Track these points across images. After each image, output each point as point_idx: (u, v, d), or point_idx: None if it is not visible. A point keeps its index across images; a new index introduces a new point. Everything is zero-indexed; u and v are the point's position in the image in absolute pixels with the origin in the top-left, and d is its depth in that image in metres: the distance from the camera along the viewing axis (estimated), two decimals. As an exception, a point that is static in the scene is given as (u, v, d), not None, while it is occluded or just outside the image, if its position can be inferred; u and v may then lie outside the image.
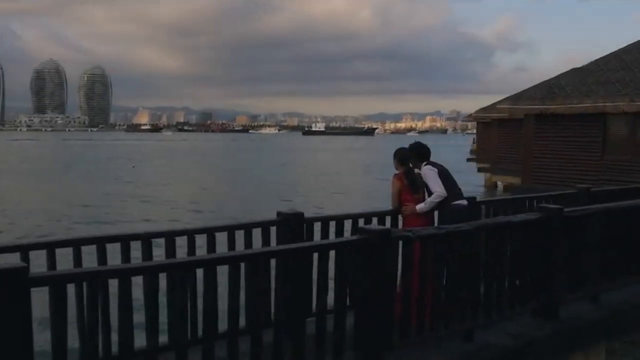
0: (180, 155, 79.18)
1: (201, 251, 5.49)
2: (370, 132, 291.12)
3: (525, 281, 6.25)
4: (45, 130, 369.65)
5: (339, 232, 6.42)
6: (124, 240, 5.30)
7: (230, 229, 5.82)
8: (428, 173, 6.60)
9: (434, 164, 6.74)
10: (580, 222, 6.62)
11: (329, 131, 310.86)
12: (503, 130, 30.24)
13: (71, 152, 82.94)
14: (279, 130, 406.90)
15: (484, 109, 33.67)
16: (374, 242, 4.78)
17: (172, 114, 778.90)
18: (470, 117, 39.05)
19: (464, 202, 6.71)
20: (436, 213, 6.65)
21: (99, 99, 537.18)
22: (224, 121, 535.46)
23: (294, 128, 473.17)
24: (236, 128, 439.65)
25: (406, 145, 6.98)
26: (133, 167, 50.37)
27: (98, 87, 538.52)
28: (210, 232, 5.66)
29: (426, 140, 8.54)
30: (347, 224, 6.49)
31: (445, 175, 6.63)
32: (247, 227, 5.86)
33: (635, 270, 7.31)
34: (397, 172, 6.79)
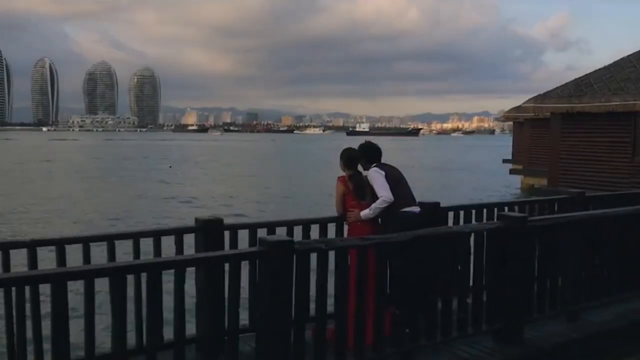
0: (223, 155, 79.65)
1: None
2: (414, 132, 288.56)
3: (479, 298, 5.53)
4: (97, 130, 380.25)
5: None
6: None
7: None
8: (374, 176, 6.03)
9: (383, 166, 6.17)
10: (548, 232, 5.85)
11: (373, 131, 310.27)
12: (535, 130, 29.08)
13: (111, 152, 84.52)
14: (323, 130, 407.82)
15: (516, 108, 32.36)
16: (277, 255, 4.21)
17: (219, 115, 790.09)
18: (502, 117, 37.77)
19: (416, 208, 6.10)
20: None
21: (148, 100, 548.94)
22: (269, 122, 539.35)
23: (338, 129, 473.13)
24: (281, 128, 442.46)
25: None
26: (170, 167, 50.79)
27: (147, 88, 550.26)
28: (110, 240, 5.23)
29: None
30: (281, 231, 5.91)
31: (395, 179, 6.07)
32: (156, 235, 5.37)
33: (620, 287, 6.46)
34: (343, 174, 6.20)
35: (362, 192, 6.03)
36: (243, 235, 5.62)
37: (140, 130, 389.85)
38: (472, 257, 5.44)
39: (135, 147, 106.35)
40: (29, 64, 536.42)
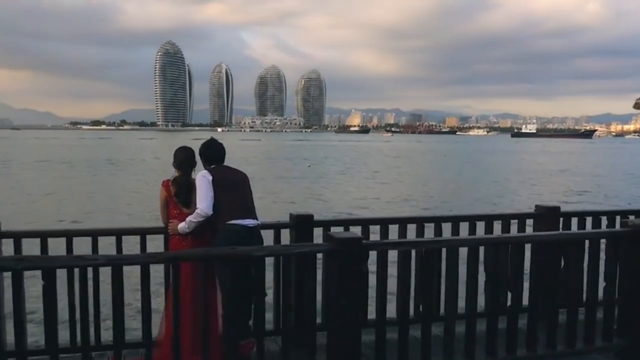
0: (373, 156, 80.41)
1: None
2: (588, 134, 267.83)
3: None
4: (265, 130, 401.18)
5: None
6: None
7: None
8: (198, 181, 5.16)
9: (216, 170, 5.29)
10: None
11: (541, 133, 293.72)
12: None
13: (288, 151, 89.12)
14: (487, 132, 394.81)
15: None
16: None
17: (382, 116, 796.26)
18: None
19: (249, 221, 5.18)
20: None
21: (314, 102, 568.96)
22: (431, 123, 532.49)
23: (505, 130, 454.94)
24: (443, 130, 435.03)
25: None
26: (309, 166, 52.49)
27: (314, 90, 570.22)
28: None
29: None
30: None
31: (226, 186, 5.18)
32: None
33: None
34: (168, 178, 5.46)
35: (185, 198, 5.26)
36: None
37: (305, 131, 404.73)
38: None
39: (300, 147, 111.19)
40: (208, 69, 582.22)
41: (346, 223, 6.07)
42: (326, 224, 5.94)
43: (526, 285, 5.15)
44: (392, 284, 4.84)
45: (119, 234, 5.48)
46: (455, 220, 6.42)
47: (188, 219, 5.12)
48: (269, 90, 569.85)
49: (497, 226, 6.46)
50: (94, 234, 5.39)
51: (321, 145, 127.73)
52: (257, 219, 5.26)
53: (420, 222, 6.28)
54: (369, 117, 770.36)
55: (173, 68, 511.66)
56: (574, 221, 6.72)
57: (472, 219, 6.46)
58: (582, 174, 48.45)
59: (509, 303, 4.98)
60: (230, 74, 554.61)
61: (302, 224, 5.73)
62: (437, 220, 6.29)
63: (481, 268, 4.94)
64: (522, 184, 38.35)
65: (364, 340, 4.64)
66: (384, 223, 6.12)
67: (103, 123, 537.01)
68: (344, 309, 4.44)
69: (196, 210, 5.08)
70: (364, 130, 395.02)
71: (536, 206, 6.66)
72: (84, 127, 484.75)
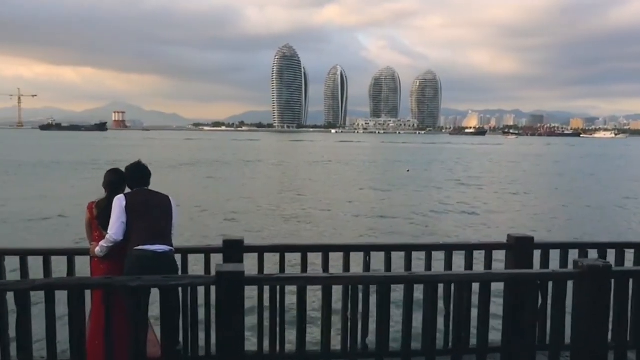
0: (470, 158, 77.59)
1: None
2: None
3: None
4: (378, 132, 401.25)
5: None
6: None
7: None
8: (113, 206, 5.15)
9: (133, 194, 5.29)
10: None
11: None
12: None
13: (390, 153, 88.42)
14: (615, 134, 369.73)
15: None
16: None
17: (501, 117, 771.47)
18: None
19: (158, 247, 5.05)
20: None
21: (429, 103, 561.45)
22: (552, 124, 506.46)
23: (635, 132, 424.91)
24: (565, 132, 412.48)
25: None
26: (408, 171, 51.37)
27: (429, 91, 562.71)
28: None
29: None
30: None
31: (140, 210, 5.13)
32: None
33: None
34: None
35: (106, 221, 5.18)
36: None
37: (419, 133, 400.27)
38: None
39: (407, 150, 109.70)
40: (323, 71, 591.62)
41: (282, 249, 5.79)
42: (259, 250, 5.72)
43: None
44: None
45: (46, 254, 5.56)
46: (429, 249, 5.99)
47: (100, 243, 5.15)
48: (383, 91, 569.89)
49: (459, 257, 5.90)
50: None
51: (430, 147, 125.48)
52: (169, 245, 5.16)
53: (387, 250, 5.94)
54: (486, 118, 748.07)
55: (290, 71, 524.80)
56: (553, 253, 6.03)
57: (429, 249, 5.94)
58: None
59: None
60: (345, 76, 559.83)
61: (232, 249, 5.54)
62: (403, 249, 5.93)
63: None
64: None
65: None
66: (325, 250, 5.76)
67: (223, 124, 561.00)
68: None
69: (106, 235, 5.11)
70: (480, 132, 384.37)
71: (508, 236, 6.01)
72: (205, 128, 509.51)
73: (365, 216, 23.91)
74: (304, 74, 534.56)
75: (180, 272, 5.26)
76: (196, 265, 5.79)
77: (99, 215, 5.29)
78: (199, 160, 62.74)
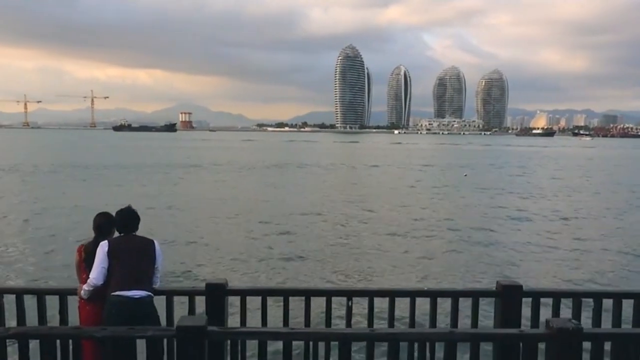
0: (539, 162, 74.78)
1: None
2: None
3: None
4: (442, 133, 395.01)
5: None
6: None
7: None
8: (98, 250, 5.40)
9: (117, 240, 5.47)
10: None
11: None
12: None
13: (449, 155, 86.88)
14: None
15: None
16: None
17: (571, 117, 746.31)
18: None
19: (135, 292, 5.23)
20: None
21: (495, 103, 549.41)
22: (627, 125, 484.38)
23: None
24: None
25: None
26: (465, 175, 50.36)
27: (495, 91, 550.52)
28: None
29: None
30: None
31: (120, 256, 5.32)
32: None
33: None
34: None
35: (92, 264, 5.44)
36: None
37: (484, 134, 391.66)
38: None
39: (466, 152, 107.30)
40: (386, 71, 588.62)
41: (264, 293, 5.79)
42: (242, 293, 5.73)
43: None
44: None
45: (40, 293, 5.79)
46: (412, 295, 5.86)
47: (83, 287, 5.40)
48: (448, 91, 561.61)
49: (446, 304, 5.75)
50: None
51: (494, 149, 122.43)
52: (147, 290, 5.31)
53: (370, 295, 5.85)
54: (555, 118, 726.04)
55: (352, 71, 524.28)
56: (544, 301, 5.84)
57: (413, 295, 5.81)
58: None
59: None
60: (409, 76, 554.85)
61: (215, 292, 5.58)
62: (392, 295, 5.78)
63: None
64: None
65: None
66: (307, 295, 5.73)
67: (286, 125, 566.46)
68: None
69: (88, 280, 5.35)
70: (548, 133, 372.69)
71: (497, 283, 5.80)
72: (269, 128, 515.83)
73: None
74: (367, 74, 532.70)
75: (159, 317, 5.37)
76: (182, 308, 5.86)
77: (86, 258, 5.57)
78: (249, 164, 62.90)
